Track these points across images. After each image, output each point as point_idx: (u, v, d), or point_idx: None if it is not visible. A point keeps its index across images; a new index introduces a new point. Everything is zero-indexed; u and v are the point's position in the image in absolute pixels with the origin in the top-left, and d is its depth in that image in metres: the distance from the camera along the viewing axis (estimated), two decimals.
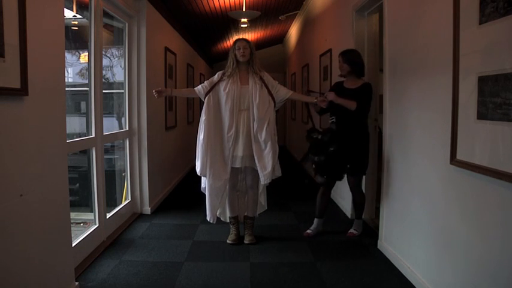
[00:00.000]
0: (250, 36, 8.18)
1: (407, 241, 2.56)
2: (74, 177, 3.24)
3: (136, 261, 2.78)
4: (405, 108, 2.61)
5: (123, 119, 3.94)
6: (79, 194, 3.50)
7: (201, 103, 3.11)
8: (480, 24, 1.70)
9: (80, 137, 3.06)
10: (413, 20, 2.46)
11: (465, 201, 1.90)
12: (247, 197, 3.23)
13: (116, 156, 4.07)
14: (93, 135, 3.00)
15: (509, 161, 1.54)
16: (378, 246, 3.02)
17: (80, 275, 2.50)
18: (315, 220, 3.34)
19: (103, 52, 3.20)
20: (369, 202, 3.74)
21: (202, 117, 3.01)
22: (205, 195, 3.08)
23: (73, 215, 2.49)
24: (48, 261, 2.01)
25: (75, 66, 3.62)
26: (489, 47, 1.67)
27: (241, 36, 5.55)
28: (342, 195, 4.09)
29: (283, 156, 4.76)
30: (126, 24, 3.82)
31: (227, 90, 2.97)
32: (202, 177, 3.10)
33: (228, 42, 8.21)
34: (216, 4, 5.24)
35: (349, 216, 3.82)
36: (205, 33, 7.00)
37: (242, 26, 6.02)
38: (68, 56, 3.26)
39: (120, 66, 3.92)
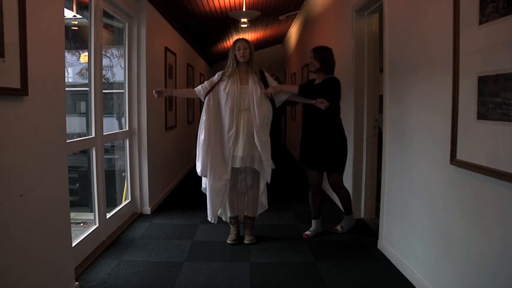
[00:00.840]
0: (250, 36, 8.18)
1: (407, 241, 2.56)
2: (74, 177, 3.25)
3: (136, 261, 2.78)
4: (405, 108, 2.60)
5: (123, 119, 3.94)
6: (79, 194, 3.50)
7: (201, 103, 3.11)
8: (480, 24, 1.70)
9: (80, 137, 3.06)
10: (413, 20, 2.46)
11: (465, 201, 1.89)
12: (247, 197, 3.23)
13: (115, 156, 4.07)
14: (93, 135, 3.00)
15: (509, 161, 1.54)
16: (378, 246, 3.02)
17: (80, 275, 2.50)
18: (313, 221, 3.37)
19: (103, 52, 3.20)
20: (369, 202, 3.75)
21: (203, 118, 3.01)
22: (205, 195, 3.08)
23: (73, 215, 2.49)
24: (48, 261, 2.01)
25: (75, 66, 3.62)
26: (489, 47, 1.67)
27: (241, 36, 5.55)
28: None
29: (283, 156, 4.77)
30: (126, 24, 3.82)
31: (227, 90, 2.98)
32: (202, 178, 3.10)
33: (228, 42, 8.21)
34: (216, 4, 5.24)
35: None
36: (205, 33, 7.00)
37: (242, 26, 6.03)
38: (68, 56, 3.26)
39: (120, 66, 3.92)
